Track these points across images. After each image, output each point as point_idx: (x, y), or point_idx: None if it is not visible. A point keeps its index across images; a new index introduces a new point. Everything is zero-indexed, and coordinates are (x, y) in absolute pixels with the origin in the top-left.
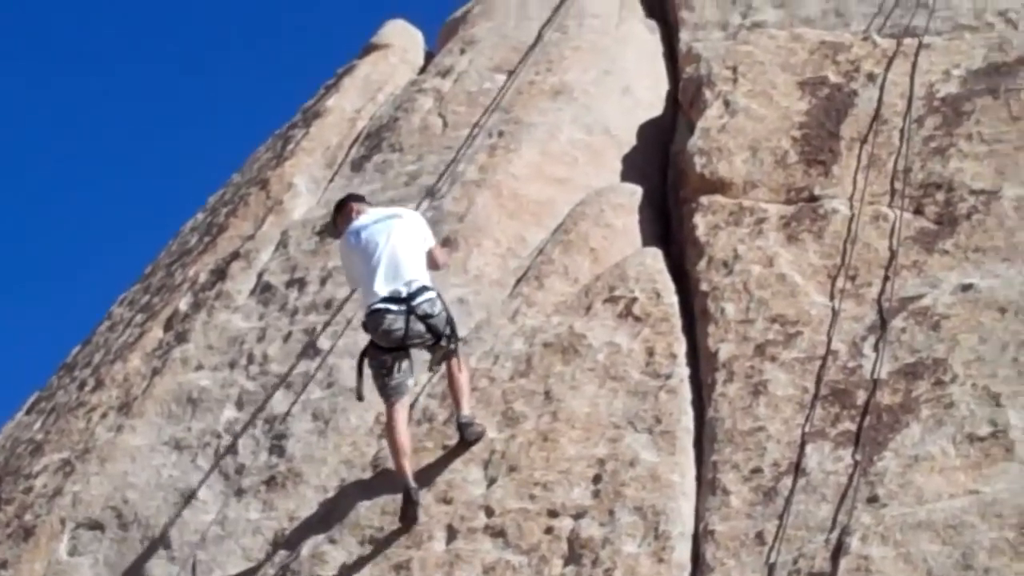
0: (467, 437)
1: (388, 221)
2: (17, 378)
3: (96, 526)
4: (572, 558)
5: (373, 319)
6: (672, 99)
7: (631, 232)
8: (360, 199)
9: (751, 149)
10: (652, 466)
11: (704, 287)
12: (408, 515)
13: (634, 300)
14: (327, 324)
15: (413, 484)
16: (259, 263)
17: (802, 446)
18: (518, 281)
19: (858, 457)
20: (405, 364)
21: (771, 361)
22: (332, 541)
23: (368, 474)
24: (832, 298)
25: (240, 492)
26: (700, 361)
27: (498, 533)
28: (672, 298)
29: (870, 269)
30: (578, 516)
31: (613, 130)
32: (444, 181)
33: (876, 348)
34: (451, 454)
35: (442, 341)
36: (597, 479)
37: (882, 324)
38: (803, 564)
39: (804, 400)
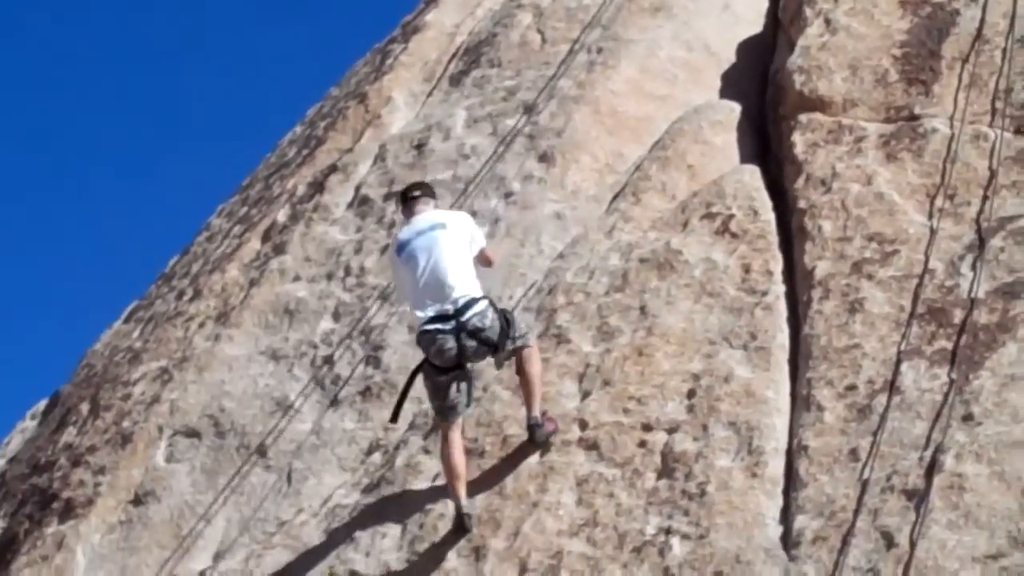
0: (536, 438)
1: (431, 233)
2: (115, 287)
3: (193, 434)
4: (665, 471)
5: (424, 340)
6: (772, 16)
7: (729, 149)
8: (421, 193)
9: (851, 67)
10: (746, 382)
11: (802, 204)
12: (459, 533)
13: (731, 217)
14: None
15: (466, 507)
16: (357, 176)
17: (897, 364)
18: (615, 197)
19: (954, 375)
20: (462, 385)
21: (868, 279)
22: (427, 451)
23: None
24: (930, 217)
25: (336, 402)
26: (796, 278)
27: (592, 446)
28: (769, 215)
29: (969, 188)
30: (672, 430)
31: (712, 47)
32: (542, 97)
33: (974, 267)
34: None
35: (503, 346)
36: (691, 394)
37: (980, 243)
38: (897, 481)
39: (900, 318)
